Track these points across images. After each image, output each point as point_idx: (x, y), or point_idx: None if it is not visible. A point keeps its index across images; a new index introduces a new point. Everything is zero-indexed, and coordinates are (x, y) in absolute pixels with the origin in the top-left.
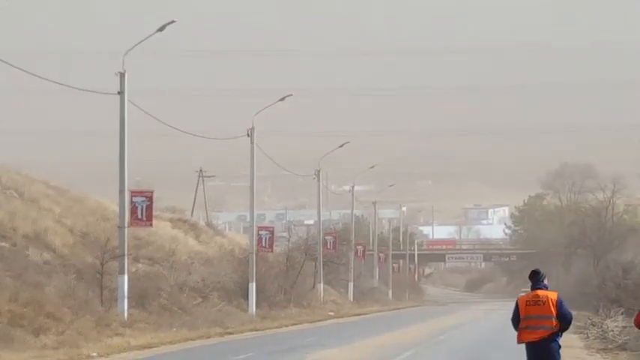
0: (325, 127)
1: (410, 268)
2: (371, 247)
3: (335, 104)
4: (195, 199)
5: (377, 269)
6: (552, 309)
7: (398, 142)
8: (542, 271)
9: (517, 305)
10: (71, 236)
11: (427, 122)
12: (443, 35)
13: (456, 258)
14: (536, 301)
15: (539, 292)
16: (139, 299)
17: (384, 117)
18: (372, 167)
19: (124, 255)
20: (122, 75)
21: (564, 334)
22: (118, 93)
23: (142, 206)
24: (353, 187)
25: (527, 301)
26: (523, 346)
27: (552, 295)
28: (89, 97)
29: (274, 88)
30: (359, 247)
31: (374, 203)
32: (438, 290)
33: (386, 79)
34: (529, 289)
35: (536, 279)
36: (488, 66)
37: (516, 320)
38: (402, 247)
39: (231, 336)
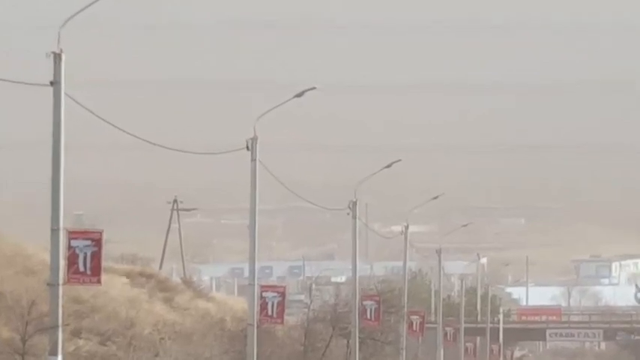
0: (363, 139)
1: (492, 350)
2: (432, 318)
3: (375, 103)
4: (165, 243)
5: (442, 351)
6: None
7: (471, 161)
8: None
9: None
10: None
11: (516, 132)
12: None
13: (561, 335)
14: None
15: None
16: None
17: (449, 124)
18: (434, 198)
19: (57, 327)
20: (57, 57)
21: None
22: (51, 83)
23: (86, 254)
24: (407, 227)
25: None
26: None
27: None
28: (5, 90)
29: (285, 80)
30: (414, 318)
31: (438, 252)
32: None
33: (448, 68)
34: None
35: None
36: (587, 58)
37: None
38: (479, 319)
39: None
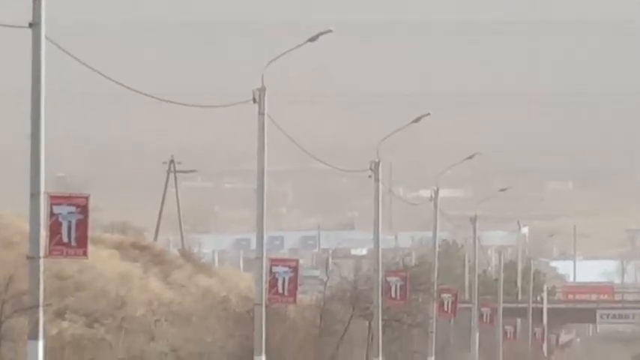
0: (384, 88)
1: (534, 333)
2: (467, 297)
3: (401, 48)
4: (161, 210)
5: (477, 335)
6: None
7: (512, 115)
8: None
9: None
10: None
11: (566, 81)
12: None
13: (614, 316)
14: None
15: None
16: None
17: (487, 71)
18: (469, 158)
19: (37, 306)
20: None
21: None
22: (30, 25)
23: (70, 222)
24: (436, 191)
25: None
26: None
27: None
28: None
29: (296, 21)
30: (446, 297)
31: (473, 220)
32: None
33: (486, 4)
34: None
35: None
36: None
37: None
38: (520, 297)
39: None
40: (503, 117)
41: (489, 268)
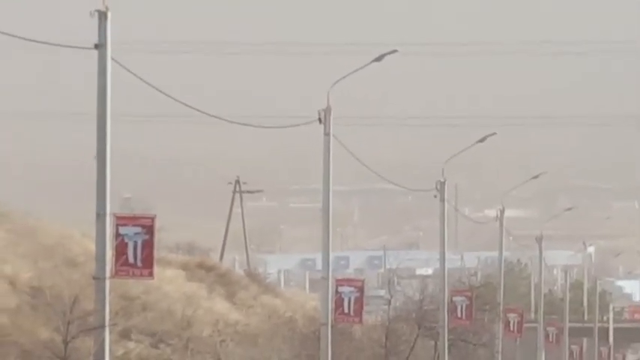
0: (450, 108)
1: (601, 353)
2: (532, 317)
3: (465, 68)
4: (227, 230)
5: (543, 355)
6: None
7: (578, 135)
8: None
9: None
10: (12, 294)
11: (632, 100)
12: None
13: None
14: None
15: None
16: None
17: (553, 91)
18: (535, 177)
19: (103, 327)
20: (102, 15)
21: None
22: (96, 47)
23: (136, 242)
24: (502, 211)
25: None
26: None
27: None
28: (45, 54)
29: (361, 41)
30: (511, 316)
31: (539, 240)
32: None
33: (551, 26)
34: None
35: None
36: None
37: None
38: (586, 317)
39: None
40: (569, 136)
41: (555, 288)
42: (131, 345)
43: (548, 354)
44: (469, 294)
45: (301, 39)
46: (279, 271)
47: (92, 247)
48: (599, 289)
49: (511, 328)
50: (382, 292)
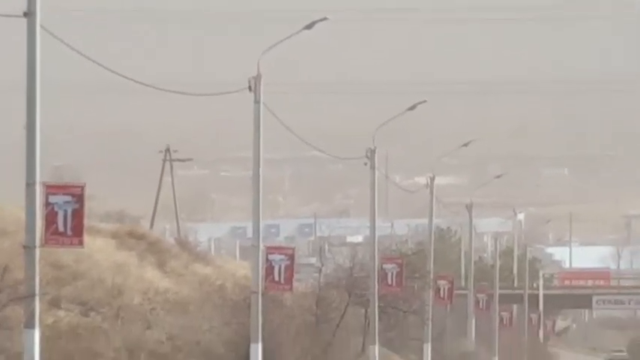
0: (380, 76)
1: (531, 320)
2: (463, 284)
3: (397, 35)
4: (157, 198)
5: (473, 321)
6: None
7: (507, 102)
8: None
9: None
10: None
11: (559, 65)
12: None
13: (610, 302)
14: None
15: None
16: None
17: (482, 57)
18: (465, 145)
19: (33, 295)
20: None
21: None
22: (25, 15)
23: (66, 211)
24: (432, 179)
25: None
26: None
27: None
28: None
29: (292, 8)
30: (442, 284)
31: (469, 207)
32: (578, 358)
33: None
34: None
35: None
36: None
37: None
38: (516, 284)
39: None
40: (499, 104)
41: (485, 255)
42: (61, 313)
43: (478, 321)
44: (399, 261)
45: (233, 7)
46: (209, 240)
47: (22, 216)
48: (529, 256)
49: (441, 295)
50: (313, 260)
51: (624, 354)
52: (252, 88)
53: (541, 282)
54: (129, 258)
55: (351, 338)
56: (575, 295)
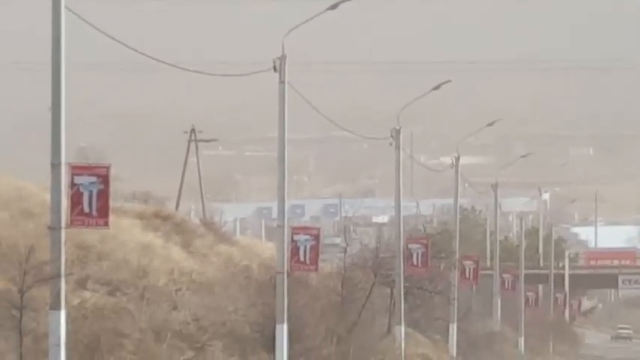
0: (406, 56)
1: (556, 299)
2: (488, 264)
3: (422, 15)
4: (182, 179)
5: (498, 301)
6: None
7: (534, 81)
8: None
9: None
10: None
11: (589, 46)
12: None
13: (637, 282)
14: None
15: None
16: (85, 352)
17: (509, 37)
18: (490, 125)
19: (59, 276)
20: None
21: None
22: None
23: (91, 192)
24: (458, 158)
25: None
26: None
27: None
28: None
29: None
30: (467, 264)
31: (494, 187)
32: (605, 338)
33: None
34: None
35: None
36: None
37: None
38: (541, 264)
39: None
40: (525, 83)
41: (510, 235)
42: (87, 294)
43: (504, 301)
44: (425, 242)
45: None
46: (235, 220)
47: (47, 197)
48: (554, 235)
49: (467, 276)
50: (338, 240)
51: (629, 331)
52: (277, 68)
53: (567, 262)
54: (154, 239)
55: (377, 318)
56: (600, 274)
